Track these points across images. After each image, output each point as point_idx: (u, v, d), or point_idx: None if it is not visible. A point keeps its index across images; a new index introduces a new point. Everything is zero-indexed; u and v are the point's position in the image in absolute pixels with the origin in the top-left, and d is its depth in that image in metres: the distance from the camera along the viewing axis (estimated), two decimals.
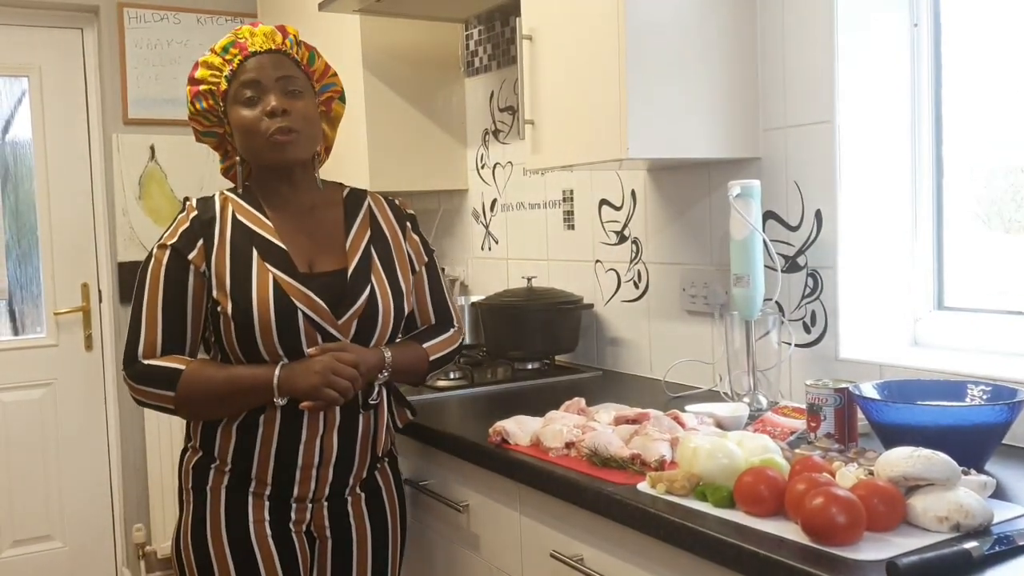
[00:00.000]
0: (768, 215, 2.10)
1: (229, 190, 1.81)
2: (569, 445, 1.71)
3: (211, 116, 1.78)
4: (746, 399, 2.01)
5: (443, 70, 3.19)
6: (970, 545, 1.13)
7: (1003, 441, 1.53)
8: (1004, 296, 1.94)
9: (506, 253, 3.09)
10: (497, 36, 3.02)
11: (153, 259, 1.72)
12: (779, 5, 2.06)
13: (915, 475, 1.26)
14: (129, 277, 3.38)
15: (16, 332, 3.68)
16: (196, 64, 1.77)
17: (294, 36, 1.79)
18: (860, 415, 1.66)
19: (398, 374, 1.81)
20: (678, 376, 2.33)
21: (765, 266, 2.00)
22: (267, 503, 1.74)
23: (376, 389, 1.78)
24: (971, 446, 1.45)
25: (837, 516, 1.19)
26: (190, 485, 1.76)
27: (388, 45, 3.08)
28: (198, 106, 1.77)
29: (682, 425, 1.75)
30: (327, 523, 1.80)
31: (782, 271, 2.07)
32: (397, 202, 1.93)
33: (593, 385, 2.45)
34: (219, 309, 1.68)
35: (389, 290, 1.78)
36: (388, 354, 1.75)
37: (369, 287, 1.75)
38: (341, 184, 1.90)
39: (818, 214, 2.01)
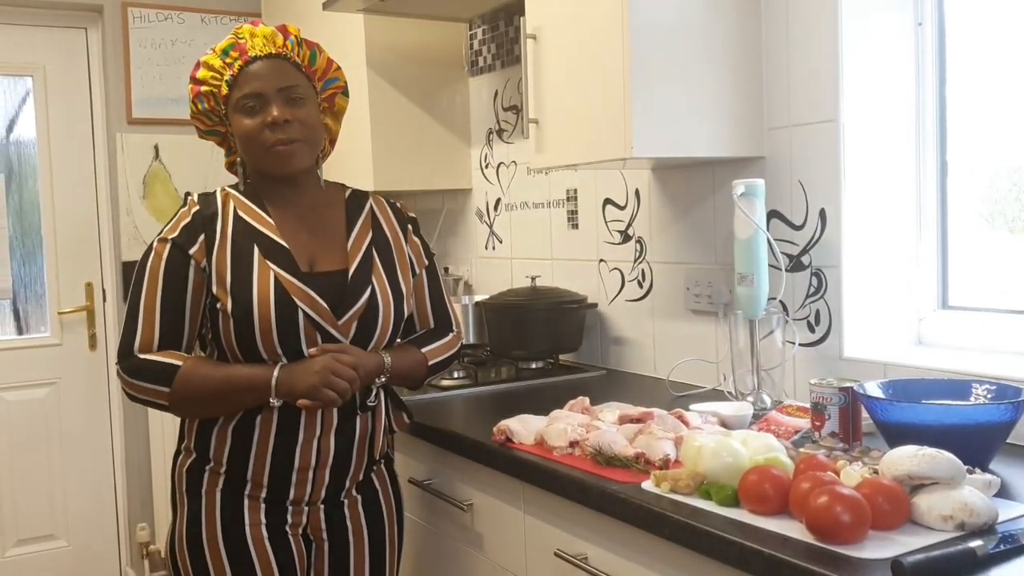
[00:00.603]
0: (772, 214, 2.10)
1: (231, 186, 1.80)
2: (573, 444, 1.71)
3: (213, 116, 1.77)
4: (750, 398, 2.01)
5: (447, 69, 3.19)
6: (975, 544, 1.13)
7: (1008, 440, 1.53)
8: (1008, 295, 1.94)
9: (510, 252, 3.09)
10: (501, 35, 3.02)
11: (153, 253, 1.70)
12: (783, 4, 2.05)
13: (920, 474, 1.26)
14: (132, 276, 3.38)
15: (20, 331, 3.68)
16: (198, 63, 1.76)
17: (295, 36, 1.76)
18: (864, 414, 1.66)
19: (396, 378, 1.80)
20: (682, 375, 2.32)
21: (769, 265, 2.00)
22: (263, 506, 1.72)
23: (374, 392, 1.78)
24: (976, 445, 1.45)
25: (842, 515, 1.19)
26: (184, 488, 1.74)
27: (392, 44, 3.08)
28: (200, 106, 1.76)
29: (686, 424, 1.75)
30: (323, 526, 1.78)
31: (786, 270, 2.06)
32: (399, 205, 1.92)
33: (597, 384, 2.45)
34: (218, 306, 1.66)
35: (390, 292, 1.77)
36: (387, 357, 1.75)
37: (370, 288, 1.74)
38: (343, 185, 1.90)
39: (822, 213, 2.01)
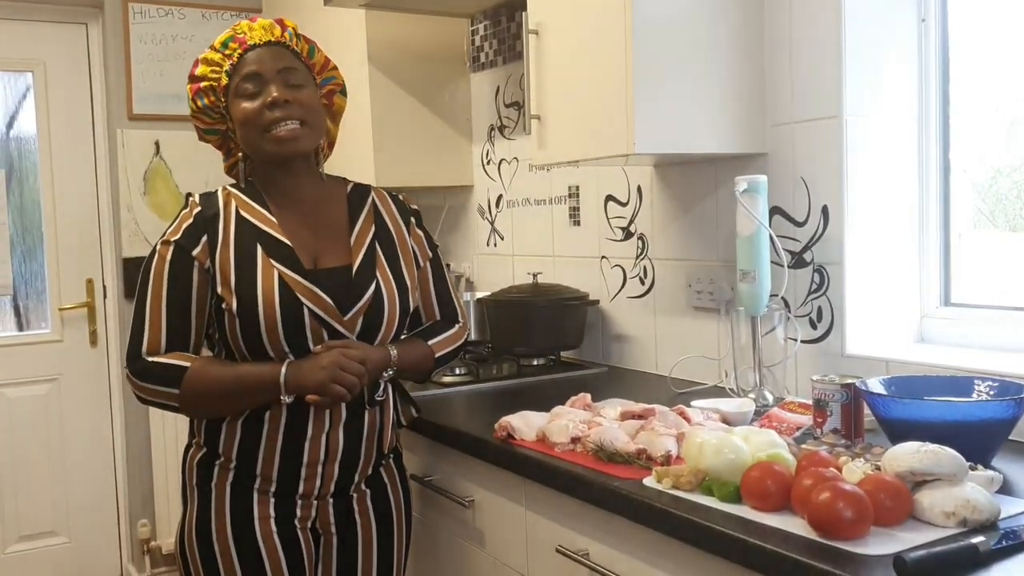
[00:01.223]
0: (775, 211, 2.10)
1: (231, 185, 1.80)
2: (575, 440, 1.71)
3: (213, 113, 1.77)
4: (752, 395, 2.01)
5: (448, 65, 3.19)
6: (977, 540, 1.13)
7: (1010, 437, 1.53)
8: (1010, 293, 1.94)
9: (512, 249, 3.09)
10: (503, 31, 3.02)
11: (157, 255, 1.70)
12: (787, 0, 2.05)
13: (922, 470, 1.26)
14: (134, 273, 3.36)
15: (21, 328, 3.68)
16: (196, 62, 1.77)
17: (293, 29, 1.78)
18: (866, 411, 1.66)
19: (403, 371, 1.80)
20: (684, 372, 2.32)
21: (771, 262, 1.99)
22: (272, 500, 1.73)
23: (382, 386, 1.78)
24: (978, 442, 1.45)
25: (844, 511, 1.19)
26: (194, 482, 1.75)
27: (393, 40, 3.08)
28: (199, 103, 1.76)
29: (688, 420, 1.75)
30: (332, 520, 1.79)
31: (788, 267, 2.06)
32: (401, 197, 1.92)
33: (599, 381, 2.45)
34: (224, 306, 1.67)
35: (394, 286, 1.77)
36: (393, 351, 1.75)
37: (374, 283, 1.75)
38: (345, 179, 1.90)
39: (825, 210, 2.00)
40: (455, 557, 2.04)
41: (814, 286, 2.04)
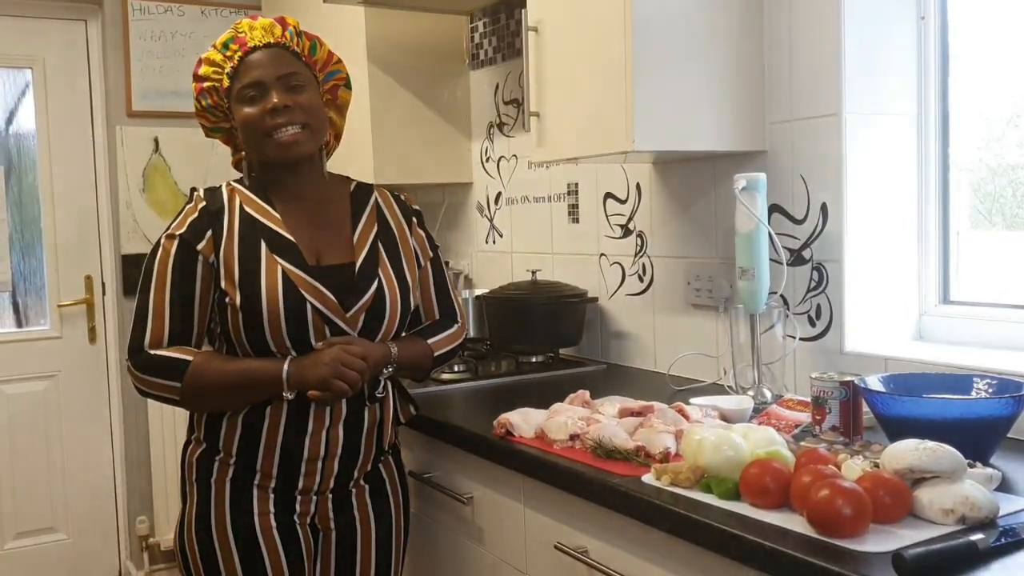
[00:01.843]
0: (774, 208, 2.10)
1: (236, 181, 1.81)
2: (574, 437, 1.71)
3: (217, 112, 1.78)
4: (751, 392, 2.01)
5: (448, 63, 3.19)
6: (976, 537, 1.13)
7: (1008, 434, 1.53)
8: (1009, 291, 1.94)
9: (510, 246, 3.09)
10: (502, 28, 3.01)
11: (161, 249, 1.71)
12: None
13: (921, 468, 1.26)
14: (133, 270, 3.38)
15: (20, 324, 3.68)
16: (199, 61, 1.77)
17: (294, 28, 1.77)
18: (865, 408, 1.66)
19: (403, 369, 1.81)
20: (682, 370, 2.32)
21: (770, 259, 1.99)
22: (271, 495, 1.73)
23: (382, 383, 1.78)
24: (977, 439, 1.45)
25: (843, 508, 1.19)
26: (193, 478, 1.76)
27: (393, 37, 3.07)
28: (203, 103, 1.78)
29: (687, 418, 1.75)
30: (331, 515, 1.79)
31: (787, 264, 2.06)
32: (403, 197, 1.93)
33: (597, 378, 2.45)
34: (227, 300, 1.68)
35: (396, 284, 1.78)
36: (394, 348, 1.76)
37: (377, 281, 1.75)
38: (348, 178, 1.90)
39: (824, 207, 2.00)
40: (454, 554, 2.04)
41: (813, 283, 2.04)
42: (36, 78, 3.61)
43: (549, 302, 2.59)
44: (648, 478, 1.50)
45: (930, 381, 1.65)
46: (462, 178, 3.24)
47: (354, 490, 1.81)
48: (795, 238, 2.07)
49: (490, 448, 1.83)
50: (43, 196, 3.64)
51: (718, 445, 1.42)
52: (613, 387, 2.22)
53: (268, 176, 1.79)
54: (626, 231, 2.58)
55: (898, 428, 1.49)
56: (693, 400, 1.88)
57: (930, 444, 1.28)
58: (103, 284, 3.74)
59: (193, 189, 1.78)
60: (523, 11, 2.23)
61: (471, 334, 2.83)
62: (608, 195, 2.63)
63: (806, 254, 2.05)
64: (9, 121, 3.62)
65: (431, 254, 1.92)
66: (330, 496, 1.78)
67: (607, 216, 2.64)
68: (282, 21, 1.77)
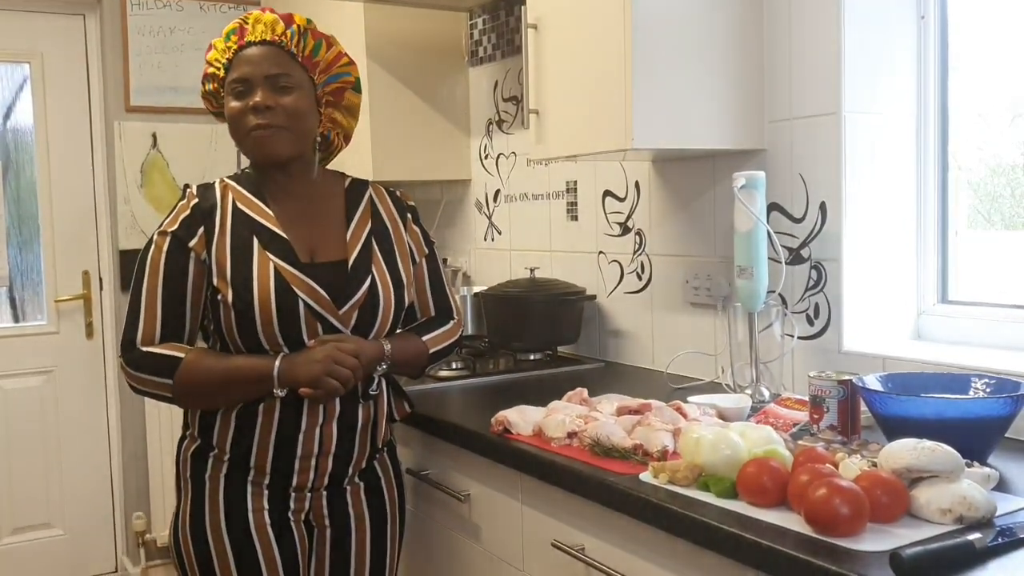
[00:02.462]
0: (772, 207, 2.10)
1: (229, 177, 1.81)
2: (571, 435, 1.71)
3: (217, 99, 1.80)
4: (749, 391, 2.01)
5: (447, 59, 3.18)
6: (973, 537, 1.13)
7: (1006, 435, 1.53)
8: (1007, 291, 1.94)
9: (509, 244, 3.09)
10: (501, 25, 3.01)
11: (153, 246, 1.71)
12: None
13: (919, 467, 1.26)
14: (130, 265, 3.34)
15: (17, 319, 3.67)
16: (210, 45, 1.78)
17: (299, 26, 1.75)
18: (863, 407, 1.66)
19: (397, 366, 1.80)
20: (681, 368, 2.32)
21: (769, 258, 1.99)
22: (266, 492, 1.73)
23: (376, 380, 1.78)
24: (974, 439, 1.45)
25: (840, 507, 1.19)
26: (188, 474, 1.75)
27: (392, 34, 3.07)
28: (207, 87, 1.79)
29: (684, 416, 1.75)
30: (326, 512, 1.79)
31: (786, 263, 2.06)
32: (398, 193, 1.92)
33: (595, 376, 2.45)
34: (219, 298, 1.67)
35: (390, 281, 1.78)
36: (388, 346, 1.75)
37: (370, 278, 1.75)
38: (343, 174, 1.90)
39: (822, 206, 2.00)
40: (450, 551, 2.04)
41: (811, 282, 2.04)
42: (34, 73, 3.61)
43: (547, 300, 2.59)
44: (646, 476, 1.49)
45: (928, 381, 1.64)
46: (461, 175, 3.24)
47: (349, 487, 1.81)
48: (794, 237, 2.07)
49: (488, 446, 1.83)
50: (41, 191, 3.64)
51: (716, 444, 1.42)
52: (611, 385, 2.22)
53: (260, 171, 1.79)
54: (625, 229, 2.58)
55: (896, 427, 1.49)
56: (691, 398, 1.88)
57: (928, 444, 1.28)
58: (100, 279, 3.74)
59: (186, 185, 1.78)
60: (523, 8, 2.23)
61: (469, 331, 2.82)
62: (607, 193, 2.63)
63: (805, 253, 2.05)
64: (7, 116, 3.61)
65: (426, 251, 1.91)
66: (324, 493, 1.78)
67: (606, 214, 2.64)
68: (288, 19, 1.75)
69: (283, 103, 1.71)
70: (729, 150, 2.12)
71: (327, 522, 1.80)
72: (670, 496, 1.41)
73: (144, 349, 1.67)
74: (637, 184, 2.52)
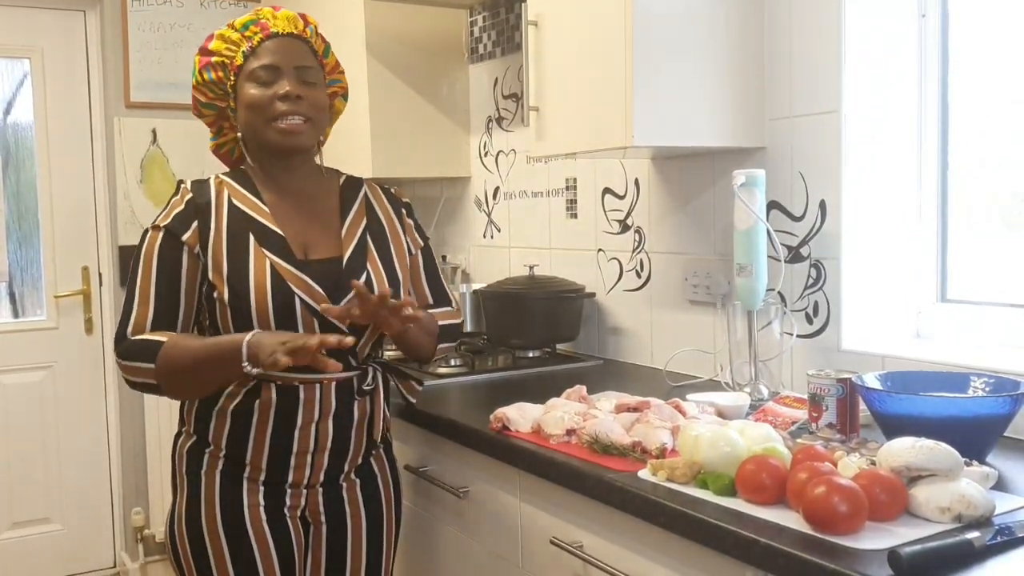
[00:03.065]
0: (772, 205, 2.10)
1: (224, 174, 1.81)
2: (570, 432, 1.71)
3: (217, 88, 1.78)
4: (747, 389, 2.01)
5: (447, 56, 3.18)
6: (972, 536, 1.13)
7: (1005, 434, 1.53)
8: (1006, 289, 1.94)
9: (508, 241, 3.09)
10: (502, 22, 3.01)
11: (147, 240, 1.71)
12: None
13: (918, 465, 1.26)
14: (130, 261, 3.37)
15: (16, 315, 3.67)
16: (211, 36, 1.78)
17: (314, 26, 1.81)
18: (862, 406, 1.66)
19: (411, 336, 1.78)
20: (679, 366, 2.32)
21: (768, 256, 1.99)
22: (261, 488, 1.73)
23: (370, 375, 1.78)
24: (973, 438, 1.45)
25: (839, 505, 1.19)
26: (184, 470, 1.75)
27: (392, 31, 3.07)
28: (206, 76, 1.77)
29: (683, 414, 1.75)
30: (322, 508, 1.79)
31: (785, 261, 2.06)
32: (392, 191, 1.93)
33: (594, 374, 2.45)
34: (215, 294, 1.67)
35: (385, 277, 1.78)
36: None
37: (365, 275, 1.75)
38: (338, 171, 1.90)
39: (822, 205, 2.00)
40: (449, 548, 2.04)
41: (811, 281, 2.04)
42: (34, 68, 3.60)
43: (546, 297, 2.59)
44: (644, 474, 1.49)
45: (927, 379, 1.64)
46: (460, 172, 3.24)
47: (345, 484, 1.81)
48: (793, 235, 2.07)
49: (486, 442, 1.83)
50: (40, 187, 3.63)
51: (714, 441, 1.42)
52: (610, 382, 2.22)
53: (258, 166, 1.80)
54: (624, 227, 2.58)
55: (895, 426, 1.49)
56: (690, 396, 1.88)
57: (927, 442, 1.28)
58: (100, 275, 3.74)
59: (181, 181, 1.78)
60: (523, 5, 2.23)
61: (468, 328, 2.83)
62: (607, 190, 2.63)
63: (804, 251, 2.05)
64: (7, 112, 3.61)
65: (421, 243, 1.93)
66: (320, 489, 1.78)
67: (605, 211, 2.64)
68: (304, 17, 1.80)
69: (310, 95, 1.74)
70: (729, 148, 2.12)
71: (323, 518, 1.80)
72: (669, 493, 1.41)
73: (132, 338, 1.66)
74: (637, 182, 2.52)
